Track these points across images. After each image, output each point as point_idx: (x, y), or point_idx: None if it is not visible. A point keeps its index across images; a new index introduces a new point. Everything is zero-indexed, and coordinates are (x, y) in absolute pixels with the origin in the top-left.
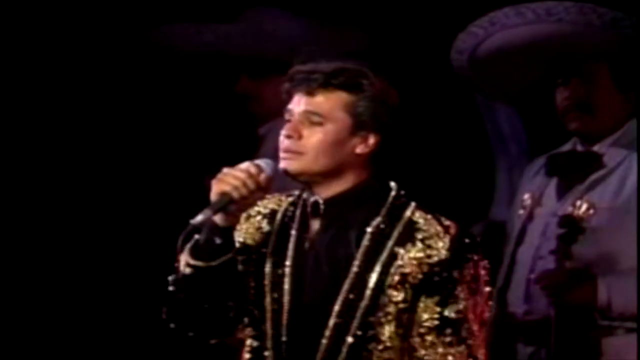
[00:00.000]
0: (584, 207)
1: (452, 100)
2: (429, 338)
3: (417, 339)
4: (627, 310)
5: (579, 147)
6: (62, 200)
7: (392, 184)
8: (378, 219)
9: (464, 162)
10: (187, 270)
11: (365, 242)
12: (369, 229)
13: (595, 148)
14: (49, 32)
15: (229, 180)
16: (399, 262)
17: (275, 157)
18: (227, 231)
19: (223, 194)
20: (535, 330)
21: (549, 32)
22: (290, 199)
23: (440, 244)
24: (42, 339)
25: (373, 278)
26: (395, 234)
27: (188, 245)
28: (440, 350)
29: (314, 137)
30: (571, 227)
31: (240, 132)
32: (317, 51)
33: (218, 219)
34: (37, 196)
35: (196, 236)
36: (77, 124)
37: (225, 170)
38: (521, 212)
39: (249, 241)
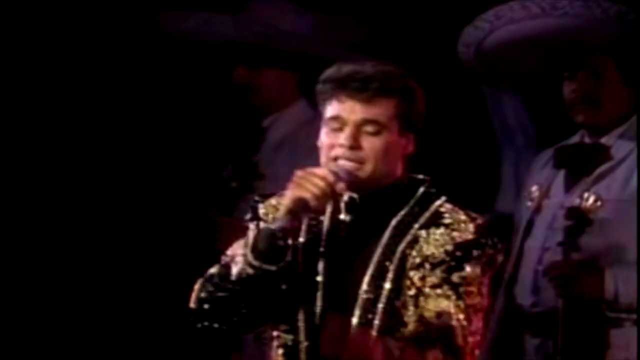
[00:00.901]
0: (592, 199)
1: (458, 91)
2: (427, 291)
3: (419, 297)
4: (635, 301)
5: (587, 140)
6: (60, 195)
7: (426, 177)
8: (406, 209)
9: (470, 154)
10: (249, 270)
11: (391, 229)
12: (396, 218)
13: (603, 140)
14: (39, 29)
15: (309, 187)
16: (421, 245)
17: (277, 149)
18: (286, 234)
19: (300, 200)
20: (543, 322)
21: (554, 26)
22: None
23: (465, 228)
24: (43, 339)
25: (395, 261)
26: (421, 220)
27: (249, 244)
28: (434, 299)
29: (374, 146)
30: (578, 219)
31: (244, 124)
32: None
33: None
34: (38, 195)
35: (251, 234)
36: (76, 119)
37: (301, 174)
38: (529, 204)
39: None
